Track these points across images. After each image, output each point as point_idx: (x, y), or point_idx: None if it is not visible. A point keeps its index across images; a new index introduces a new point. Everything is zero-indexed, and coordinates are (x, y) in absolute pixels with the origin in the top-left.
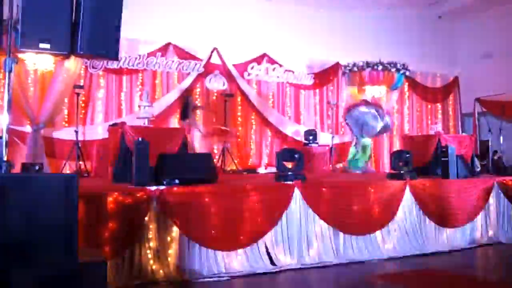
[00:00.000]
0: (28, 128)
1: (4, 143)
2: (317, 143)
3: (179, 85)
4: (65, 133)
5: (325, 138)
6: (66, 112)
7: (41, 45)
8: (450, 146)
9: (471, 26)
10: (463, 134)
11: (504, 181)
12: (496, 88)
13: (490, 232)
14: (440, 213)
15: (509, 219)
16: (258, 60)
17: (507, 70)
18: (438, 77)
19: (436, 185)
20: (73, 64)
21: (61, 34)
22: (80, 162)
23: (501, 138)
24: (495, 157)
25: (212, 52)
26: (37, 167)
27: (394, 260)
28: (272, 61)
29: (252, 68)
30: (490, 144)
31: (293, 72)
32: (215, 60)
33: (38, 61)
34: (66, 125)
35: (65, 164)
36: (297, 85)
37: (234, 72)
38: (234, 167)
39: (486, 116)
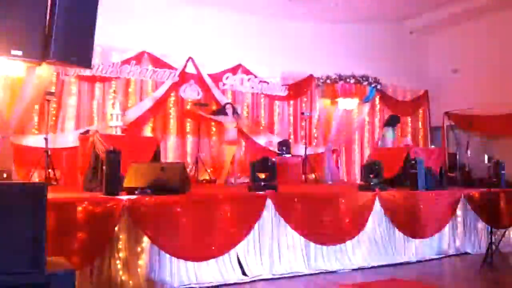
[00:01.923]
0: None
1: None
2: (290, 153)
3: (153, 93)
4: (34, 140)
5: (298, 149)
6: (36, 119)
7: (13, 52)
8: (419, 158)
9: (441, 41)
10: (432, 147)
11: (471, 194)
12: (464, 102)
13: (457, 243)
14: (408, 224)
15: (476, 230)
16: (233, 70)
17: (475, 85)
18: (409, 90)
19: (405, 196)
20: (45, 71)
21: (34, 42)
22: (49, 170)
23: (469, 151)
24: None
25: (187, 61)
26: (5, 175)
27: (363, 270)
28: (247, 72)
29: (227, 78)
30: (458, 157)
31: (267, 83)
32: (190, 69)
33: (9, 67)
34: (36, 132)
35: (33, 172)
36: (271, 96)
37: (209, 81)
38: (207, 177)
39: (454, 130)
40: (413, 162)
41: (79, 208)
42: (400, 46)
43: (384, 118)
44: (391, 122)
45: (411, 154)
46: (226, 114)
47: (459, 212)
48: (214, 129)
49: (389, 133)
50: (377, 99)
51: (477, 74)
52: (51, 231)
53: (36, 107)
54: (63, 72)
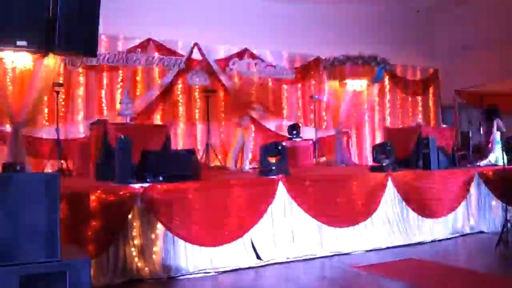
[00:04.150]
0: (8, 128)
1: None
2: (300, 137)
3: (160, 81)
4: (46, 132)
5: (308, 133)
6: (46, 110)
7: (18, 43)
8: (431, 137)
9: (450, 18)
10: (444, 126)
11: (485, 172)
12: (475, 80)
13: (472, 222)
14: (422, 204)
15: (490, 208)
16: (240, 55)
17: (485, 62)
18: (418, 70)
19: (417, 176)
20: (52, 61)
21: (38, 32)
22: (62, 161)
23: (481, 129)
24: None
25: (193, 47)
26: (18, 167)
27: (378, 251)
28: (253, 56)
29: (233, 63)
30: (470, 135)
31: (274, 66)
32: (196, 55)
33: (16, 59)
34: (47, 123)
35: (46, 163)
36: (279, 80)
37: (215, 67)
38: (218, 163)
39: (466, 108)
40: (425, 141)
41: (93, 197)
42: (408, 25)
43: (394, 99)
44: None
45: (423, 133)
46: None
47: (472, 190)
48: (223, 115)
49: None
50: (386, 80)
51: (487, 50)
52: (65, 220)
53: (45, 98)
54: (70, 63)
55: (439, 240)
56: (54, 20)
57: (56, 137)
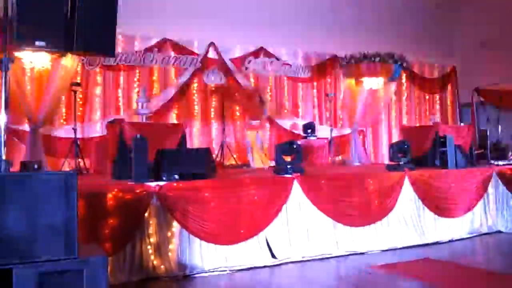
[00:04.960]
0: (26, 127)
1: (2, 142)
2: (315, 136)
3: (176, 80)
4: (63, 131)
5: (323, 131)
6: (63, 110)
7: (37, 43)
8: (448, 136)
9: (468, 15)
10: (462, 124)
11: (503, 170)
12: (494, 78)
13: (490, 222)
14: (439, 204)
15: (508, 208)
16: (255, 54)
17: (504, 59)
18: (436, 67)
19: (435, 175)
20: (69, 62)
21: (57, 32)
22: (79, 160)
23: (499, 127)
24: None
25: (209, 47)
26: (36, 166)
27: (393, 250)
28: (269, 55)
29: (249, 62)
30: (488, 133)
31: (290, 65)
32: (212, 55)
33: (34, 59)
34: (64, 123)
35: (64, 162)
36: (294, 78)
37: (231, 66)
38: (233, 162)
39: (484, 106)
40: (443, 140)
41: (110, 196)
42: (426, 22)
43: (411, 97)
44: None
45: (440, 132)
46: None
47: (490, 189)
48: (238, 114)
49: None
50: (403, 77)
51: (506, 48)
52: (83, 218)
53: (63, 98)
54: (87, 63)
55: (456, 240)
56: (73, 21)
57: (74, 136)
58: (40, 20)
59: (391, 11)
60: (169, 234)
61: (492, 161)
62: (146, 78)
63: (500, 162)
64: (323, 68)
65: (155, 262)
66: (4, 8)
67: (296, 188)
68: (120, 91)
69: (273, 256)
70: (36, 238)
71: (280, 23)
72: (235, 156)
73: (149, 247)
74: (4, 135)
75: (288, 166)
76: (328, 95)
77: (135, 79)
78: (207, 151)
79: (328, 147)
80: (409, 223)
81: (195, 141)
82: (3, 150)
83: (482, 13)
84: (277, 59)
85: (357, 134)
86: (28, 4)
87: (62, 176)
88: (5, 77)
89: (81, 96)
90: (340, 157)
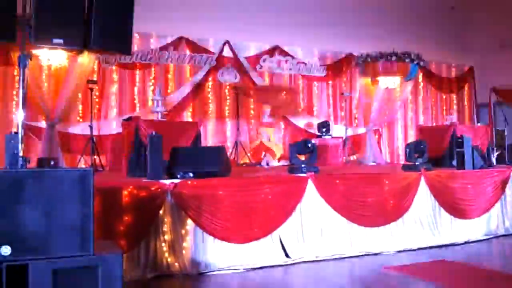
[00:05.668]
0: (43, 124)
1: (20, 139)
2: (330, 135)
3: (191, 78)
4: (79, 128)
5: (338, 130)
6: (80, 107)
7: (54, 41)
8: (465, 136)
9: (486, 14)
10: (479, 124)
11: None
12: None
13: (507, 223)
14: (455, 205)
15: None
16: (270, 52)
17: None
18: (453, 67)
19: (451, 176)
20: (86, 59)
21: (74, 30)
22: (95, 157)
23: None
24: None
25: (224, 45)
26: (52, 162)
27: (408, 251)
28: (284, 53)
29: (264, 60)
30: (506, 134)
31: (305, 64)
32: (227, 53)
33: (51, 56)
34: (81, 120)
35: (80, 159)
36: (309, 77)
37: (246, 65)
38: (248, 160)
39: (502, 106)
40: (460, 140)
41: (125, 193)
42: (443, 21)
43: (428, 97)
44: None
45: (457, 132)
46: None
47: (508, 191)
48: (252, 112)
49: None
50: (420, 77)
51: None
52: (98, 215)
53: (80, 95)
54: (104, 61)
55: (472, 242)
56: (90, 18)
57: (90, 133)
58: (58, 18)
59: (409, 11)
60: (183, 231)
61: (510, 162)
62: (161, 76)
63: None
64: (339, 66)
65: (169, 260)
66: (23, 6)
67: (311, 188)
68: (135, 89)
69: (286, 255)
70: (52, 234)
71: (295, 22)
72: (249, 154)
73: (163, 244)
74: (22, 131)
75: (303, 165)
76: (343, 94)
77: (151, 77)
78: (221, 150)
79: (343, 146)
80: (424, 224)
81: (209, 139)
82: (21, 147)
83: (499, 13)
84: (292, 57)
85: (372, 133)
86: (45, 2)
87: (79, 173)
88: (23, 75)
89: (97, 93)
90: (355, 157)
